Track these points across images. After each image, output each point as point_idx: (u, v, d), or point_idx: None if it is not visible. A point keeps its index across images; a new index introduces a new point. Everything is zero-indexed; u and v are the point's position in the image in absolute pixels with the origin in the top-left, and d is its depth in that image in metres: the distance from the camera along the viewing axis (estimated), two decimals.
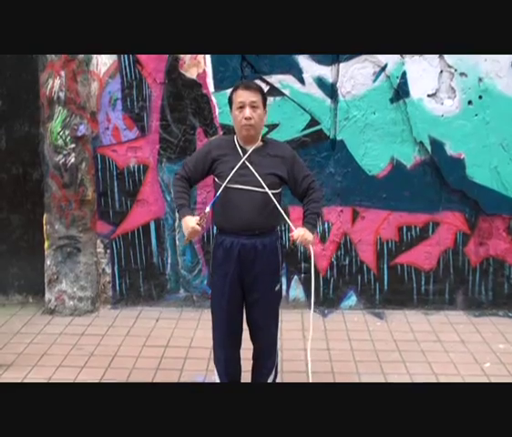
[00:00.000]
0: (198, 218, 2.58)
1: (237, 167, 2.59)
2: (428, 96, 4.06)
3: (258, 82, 3.66)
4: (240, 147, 2.65)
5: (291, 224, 2.70)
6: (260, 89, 2.66)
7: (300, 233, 2.60)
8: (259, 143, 2.67)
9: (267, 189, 2.58)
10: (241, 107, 2.57)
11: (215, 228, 2.84)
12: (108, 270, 4.34)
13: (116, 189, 4.25)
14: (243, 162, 2.60)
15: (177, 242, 4.31)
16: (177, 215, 4.08)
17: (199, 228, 2.56)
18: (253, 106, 2.57)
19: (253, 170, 2.59)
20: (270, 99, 3.83)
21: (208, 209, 2.61)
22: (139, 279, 4.34)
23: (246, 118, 2.55)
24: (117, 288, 4.35)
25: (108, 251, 4.32)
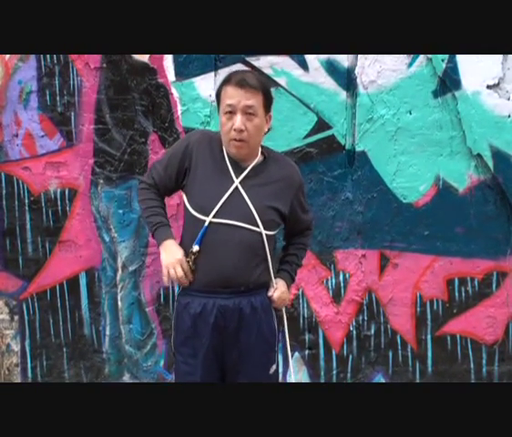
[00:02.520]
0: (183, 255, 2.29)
1: (227, 194, 2.26)
2: (488, 87, 3.44)
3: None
4: (230, 159, 2.31)
5: (273, 279, 2.41)
6: (262, 87, 2.29)
7: (282, 296, 2.41)
8: (259, 158, 2.37)
9: (262, 229, 2.31)
10: (231, 113, 2.26)
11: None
12: (16, 347, 3.65)
13: (28, 226, 3.57)
14: (237, 181, 2.30)
15: (119, 304, 3.50)
16: (119, 264, 3.41)
17: (185, 267, 2.26)
18: (248, 113, 2.25)
19: (247, 199, 2.29)
20: None
21: (196, 248, 2.27)
22: (63, 360, 3.64)
23: (236, 130, 2.24)
24: (30, 373, 3.65)
25: (16, 318, 3.64)
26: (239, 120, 2.24)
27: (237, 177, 2.30)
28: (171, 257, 2.28)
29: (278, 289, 2.38)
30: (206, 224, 2.26)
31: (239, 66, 3.28)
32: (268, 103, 2.32)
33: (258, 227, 2.30)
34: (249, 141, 2.28)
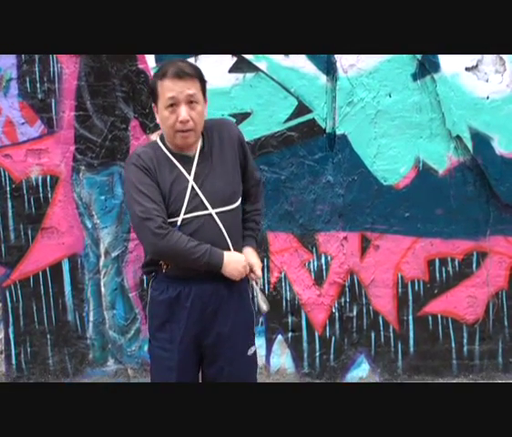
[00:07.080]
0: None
1: (188, 192, 2.28)
2: (467, 69, 3.46)
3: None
4: (176, 155, 2.31)
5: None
6: (198, 73, 2.29)
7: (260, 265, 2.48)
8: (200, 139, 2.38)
9: (230, 206, 2.36)
10: (172, 106, 2.23)
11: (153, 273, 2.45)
12: None
13: (10, 213, 3.53)
14: (191, 179, 2.31)
15: (102, 290, 3.52)
16: (102, 250, 3.47)
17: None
18: (190, 102, 2.24)
19: (210, 185, 2.33)
20: (238, 76, 3.40)
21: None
22: (47, 347, 3.62)
23: (182, 122, 2.23)
24: (14, 359, 3.63)
25: None
26: (184, 111, 2.22)
27: (189, 172, 2.29)
28: (238, 264, 2.30)
29: (257, 264, 2.39)
30: (179, 223, 2.25)
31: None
32: (204, 88, 2.32)
33: (228, 204, 2.32)
34: (195, 129, 2.27)
